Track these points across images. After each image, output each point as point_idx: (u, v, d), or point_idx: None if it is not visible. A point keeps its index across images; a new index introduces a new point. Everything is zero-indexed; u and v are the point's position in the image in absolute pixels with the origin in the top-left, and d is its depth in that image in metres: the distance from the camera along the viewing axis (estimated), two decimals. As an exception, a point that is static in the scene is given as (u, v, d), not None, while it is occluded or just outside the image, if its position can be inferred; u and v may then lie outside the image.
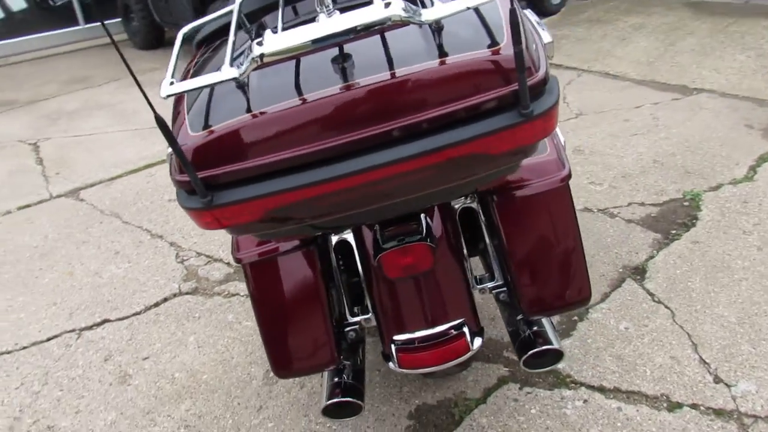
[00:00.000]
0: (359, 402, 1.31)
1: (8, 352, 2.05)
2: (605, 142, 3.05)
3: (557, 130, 1.59)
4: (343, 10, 0.88)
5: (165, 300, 2.22)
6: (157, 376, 1.87)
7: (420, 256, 1.25)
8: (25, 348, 2.06)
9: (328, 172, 0.88)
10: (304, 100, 0.91)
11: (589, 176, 2.74)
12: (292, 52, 0.84)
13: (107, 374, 1.90)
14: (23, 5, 6.63)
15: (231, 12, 1.11)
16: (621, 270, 2.09)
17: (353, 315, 1.44)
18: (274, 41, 0.84)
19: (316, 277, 1.34)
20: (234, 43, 0.98)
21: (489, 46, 0.91)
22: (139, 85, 0.79)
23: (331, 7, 0.92)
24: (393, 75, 0.90)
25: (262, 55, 0.83)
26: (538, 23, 1.36)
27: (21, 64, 6.24)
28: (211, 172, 0.92)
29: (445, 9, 0.86)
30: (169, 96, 0.89)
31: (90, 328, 2.13)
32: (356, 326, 1.44)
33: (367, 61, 0.93)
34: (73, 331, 2.12)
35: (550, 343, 1.30)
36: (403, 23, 0.83)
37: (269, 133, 0.90)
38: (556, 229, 1.34)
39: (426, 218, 1.32)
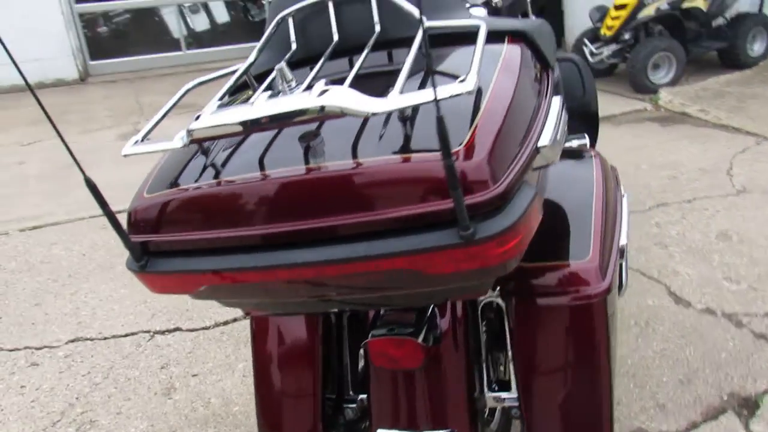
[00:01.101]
0: None
1: (90, 339, 2.24)
2: (763, 230, 2.54)
3: (624, 224, 1.33)
4: (337, 81, 0.79)
5: (234, 320, 2.28)
6: (196, 396, 1.91)
7: (407, 353, 1.10)
8: (105, 339, 2.24)
9: (240, 261, 0.79)
10: (232, 182, 0.83)
11: (726, 270, 2.30)
12: (225, 130, 0.77)
13: (157, 383, 1.99)
14: (226, 18, 7.45)
15: (240, 71, 1.07)
16: (725, 398, 1.70)
17: (355, 391, 1.34)
18: (206, 119, 0.78)
19: (313, 343, 1.25)
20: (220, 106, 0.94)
21: (431, 150, 0.75)
22: (65, 144, 0.77)
23: (293, 84, 0.84)
24: (320, 168, 0.78)
25: (189, 132, 0.78)
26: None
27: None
28: (148, 237, 0.88)
29: (402, 101, 0.73)
30: (126, 155, 0.88)
31: (162, 332, 2.25)
32: (356, 404, 1.33)
33: (312, 148, 0.83)
34: (148, 332, 2.26)
35: None
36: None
37: (197, 209, 0.84)
38: (578, 356, 1.11)
39: (434, 309, 1.17)
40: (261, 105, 0.75)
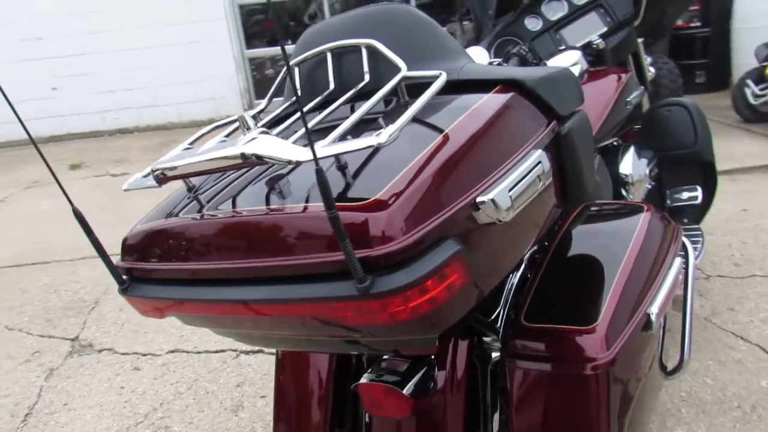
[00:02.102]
0: None
1: (186, 352, 2.46)
2: None
3: (664, 290, 1.18)
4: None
5: (312, 348, 2.36)
6: (258, 418, 2.00)
7: (393, 402, 1.07)
8: (198, 353, 2.44)
9: (181, 293, 0.85)
10: (183, 220, 0.90)
11: None
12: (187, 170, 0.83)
13: (229, 399, 2.12)
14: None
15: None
16: None
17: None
18: (164, 160, 0.85)
19: (327, 379, 1.28)
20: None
21: (353, 199, 0.74)
22: (58, 181, 0.89)
23: (252, 127, 0.89)
24: (243, 213, 0.82)
25: (151, 170, 0.85)
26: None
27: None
28: (131, 264, 0.97)
29: (321, 151, 0.74)
30: (126, 190, 0.98)
31: (247, 352, 2.40)
32: None
33: (251, 192, 0.87)
34: (235, 351, 2.42)
35: None
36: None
37: (157, 242, 0.92)
38: (568, 429, 1.00)
39: (433, 360, 1.13)
40: (200, 151, 0.80)
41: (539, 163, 0.89)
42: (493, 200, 0.78)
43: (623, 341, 1.04)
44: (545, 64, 2.09)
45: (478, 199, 0.78)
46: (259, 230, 0.79)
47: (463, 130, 0.86)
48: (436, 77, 0.90)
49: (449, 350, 1.14)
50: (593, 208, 1.37)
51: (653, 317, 1.13)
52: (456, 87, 1.00)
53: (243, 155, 0.73)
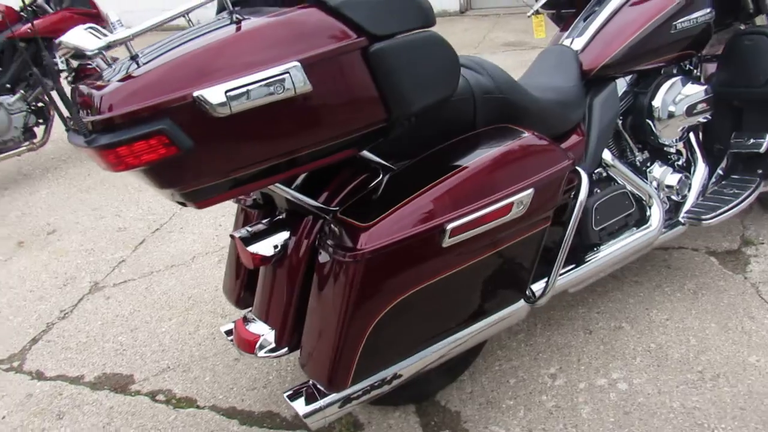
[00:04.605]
0: None
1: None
2: None
3: (469, 218, 1.24)
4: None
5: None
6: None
7: (243, 253, 1.36)
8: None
9: None
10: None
11: None
12: None
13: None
14: None
15: None
16: None
17: None
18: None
19: None
20: None
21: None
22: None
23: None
24: None
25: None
26: None
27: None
28: None
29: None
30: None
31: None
32: None
33: None
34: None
35: None
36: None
37: None
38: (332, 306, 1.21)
39: (287, 229, 1.38)
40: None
41: (285, 73, 1.04)
42: (201, 95, 1.00)
43: (391, 242, 1.18)
44: None
45: (195, 94, 1.00)
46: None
47: (231, 29, 1.07)
48: None
49: (301, 225, 1.38)
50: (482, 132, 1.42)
51: (447, 231, 1.22)
52: (270, 2, 1.17)
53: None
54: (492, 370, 1.79)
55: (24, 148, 3.65)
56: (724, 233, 2.32)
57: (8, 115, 3.51)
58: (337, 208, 1.30)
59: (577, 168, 1.52)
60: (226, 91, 1.01)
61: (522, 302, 1.49)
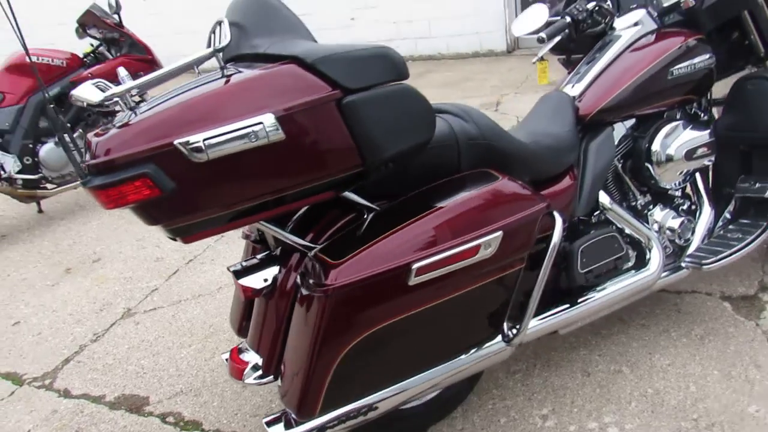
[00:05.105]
0: None
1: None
2: None
3: (436, 258, 1.30)
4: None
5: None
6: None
7: (238, 285, 1.48)
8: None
9: None
10: None
11: None
12: None
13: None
14: None
15: None
16: None
17: None
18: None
19: None
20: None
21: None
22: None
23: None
24: None
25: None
26: None
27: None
28: None
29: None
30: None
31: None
32: None
33: None
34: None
35: None
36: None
37: None
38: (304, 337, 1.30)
39: (277, 265, 1.49)
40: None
41: (259, 124, 1.15)
42: (181, 143, 1.12)
43: (358, 278, 1.26)
44: (617, 17, 2.01)
45: (175, 142, 1.13)
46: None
47: (220, 82, 1.20)
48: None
49: (290, 261, 1.48)
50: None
51: (413, 270, 1.29)
52: (260, 58, 1.30)
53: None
54: (485, 408, 1.82)
55: (81, 182, 3.94)
56: (741, 278, 2.26)
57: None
58: (317, 246, 1.39)
59: (554, 212, 1.56)
60: (204, 139, 1.13)
61: (500, 342, 1.53)
